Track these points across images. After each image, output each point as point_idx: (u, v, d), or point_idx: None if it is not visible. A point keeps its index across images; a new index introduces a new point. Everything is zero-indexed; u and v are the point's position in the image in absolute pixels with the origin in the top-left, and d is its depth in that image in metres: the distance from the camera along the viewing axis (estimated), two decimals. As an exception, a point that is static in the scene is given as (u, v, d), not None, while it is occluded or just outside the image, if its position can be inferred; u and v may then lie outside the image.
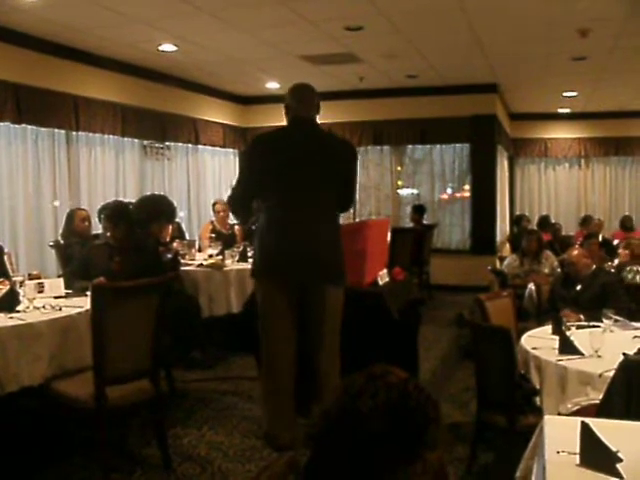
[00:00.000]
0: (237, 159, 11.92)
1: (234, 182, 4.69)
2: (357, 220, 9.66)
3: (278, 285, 4.31)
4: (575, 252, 5.71)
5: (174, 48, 7.76)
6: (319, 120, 4.49)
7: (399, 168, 11.81)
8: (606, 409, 2.92)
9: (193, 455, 4.33)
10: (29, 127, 7.32)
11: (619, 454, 2.14)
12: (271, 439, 4.42)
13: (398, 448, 1.27)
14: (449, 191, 11.87)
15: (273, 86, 10.36)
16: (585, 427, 2.19)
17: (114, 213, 5.20)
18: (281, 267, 4.28)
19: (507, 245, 11.94)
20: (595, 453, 2.12)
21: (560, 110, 12.92)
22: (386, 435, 1.28)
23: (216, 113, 10.88)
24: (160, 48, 7.75)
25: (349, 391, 1.33)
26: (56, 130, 7.69)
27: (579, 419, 2.36)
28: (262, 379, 4.54)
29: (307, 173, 4.29)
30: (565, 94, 11.05)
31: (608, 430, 2.27)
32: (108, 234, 5.21)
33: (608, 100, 11.68)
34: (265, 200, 4.35)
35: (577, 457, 2.14)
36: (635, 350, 3.52)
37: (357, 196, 9.84)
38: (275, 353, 4.37)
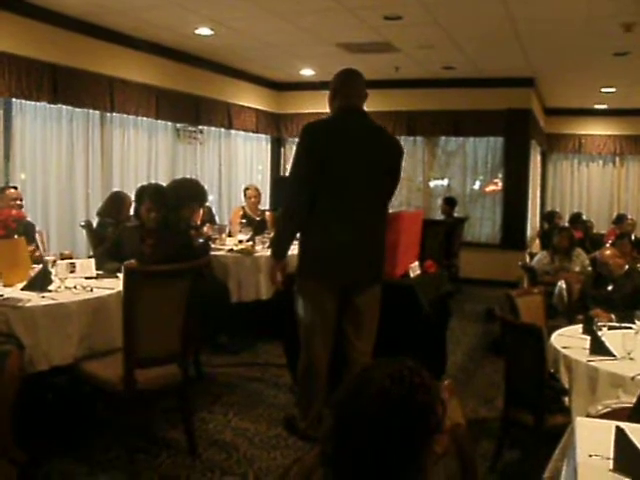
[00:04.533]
0: (269, 145, 11.94)
1: (289, 189, 4.25)
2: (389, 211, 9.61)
3: (327, 287, 4.18)
4: (608, 252, 5.64)
5: (210, 32, 7.75)
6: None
7: (432, 158, 11.74)
8: (639, 414, 2.88)
9: (219, 441, 4.35)
10: (64, 107, 7.35)
11: (654, 462, 2.10)
12: (299, 429, 4.41)
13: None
14: (480, 184, 11.77)
15: (308, 73, 10.33)
16: (620, 432, 2.16)
17: (157, 196, 5.16)
18: (332, 269, 4.15)
19: (537, 241, 11.83)
20: (629, 459, 2.09)
21: (596, 106, 12.73)
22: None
23: (250, 98, 10.87)
24: (196, 32, 7.75)
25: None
26: (90, 111, 7.71)
27: (612, 422, 2.33)
28: (300, 379, 4.43)
29: (358, 169, 4.12)
30: (603, 90, 10.89)
31: (642, 436, 2.24)
32: (152, 214, 5.07)
33: (647, 97, 11.49)
34: (315, 197, 4.08)
35: (610, 462, 2.11)
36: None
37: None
38: (317, 356, 4.26)
